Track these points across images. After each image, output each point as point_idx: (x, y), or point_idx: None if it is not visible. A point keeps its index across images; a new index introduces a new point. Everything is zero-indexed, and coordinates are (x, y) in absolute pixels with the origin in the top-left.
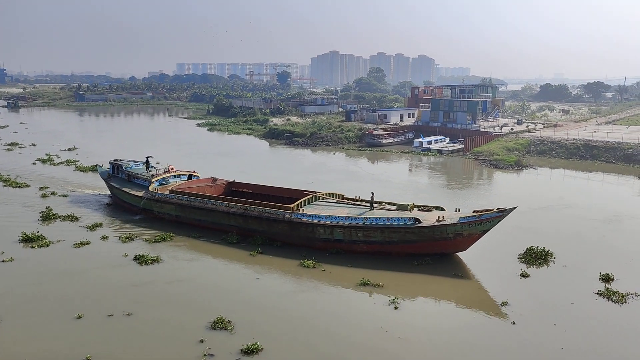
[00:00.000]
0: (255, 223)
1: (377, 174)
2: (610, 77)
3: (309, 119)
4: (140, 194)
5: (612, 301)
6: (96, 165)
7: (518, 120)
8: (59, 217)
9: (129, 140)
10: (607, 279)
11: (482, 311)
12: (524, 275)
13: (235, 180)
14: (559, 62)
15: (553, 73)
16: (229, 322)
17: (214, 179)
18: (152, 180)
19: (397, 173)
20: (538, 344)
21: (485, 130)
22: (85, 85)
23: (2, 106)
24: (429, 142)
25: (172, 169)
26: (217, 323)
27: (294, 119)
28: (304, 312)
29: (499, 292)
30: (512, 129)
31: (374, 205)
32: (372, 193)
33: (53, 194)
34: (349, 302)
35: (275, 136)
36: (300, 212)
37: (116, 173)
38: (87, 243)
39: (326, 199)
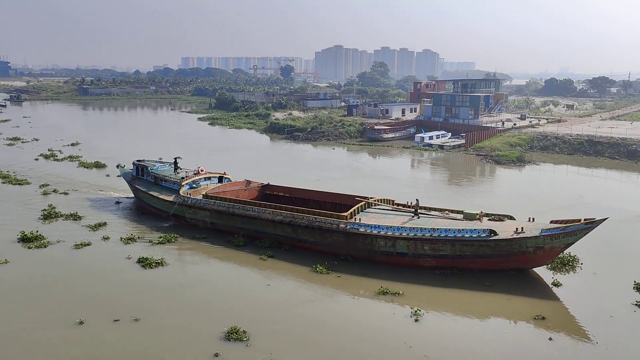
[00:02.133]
0: (306, 233)
1: (382, 171)
2: (615, 72)
3: (310, 114)
4: (170, 198)
5: None
6: (117, 166)
7: (521, 115)
8: (61, 215)
9: (131, 135)
10: None
11: (514, 326)
12: (556, 284)
13: (270, 183)
14: (564, 57)
15: (559, 68)
16: (244, 332)
17: (248, 182)
18: (183, 184)
19: (402, 169)
20: None
21: (488, 125)
22: (89, 79)
23: (5, 99)
24: (431, 138)
25: (202, 170)
26: (231, 333)
27: (295, 113)
28: (321, 323)
29: (532, 304)
30: (514, 124)
31: (419, 212)
32: (417, 199)
33: (55, 191)
34: (368, 314)
35: (277, 130)
36: (357, 221)
37: (141, 175)
38: (88, 244)
39: (379, 205)
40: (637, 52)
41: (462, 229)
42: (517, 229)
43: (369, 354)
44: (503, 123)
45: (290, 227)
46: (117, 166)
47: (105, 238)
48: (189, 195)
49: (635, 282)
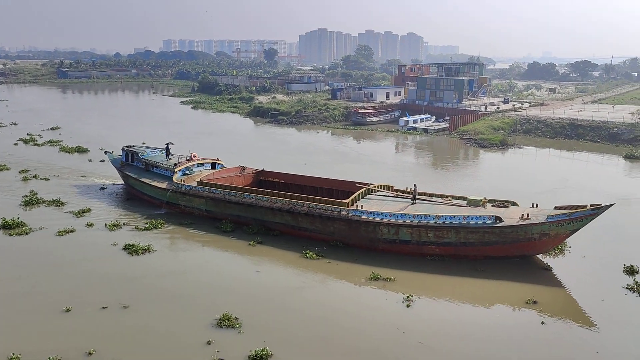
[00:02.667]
0: (306, 221)
1: (368, 155)
2: (598, 56)
3: (294, 97)
4: (163, 185)
5: None
6: (105, 152)
7: (505, 98)
8: (43, 202)
9: (113, 119)
10: (632, 271)
11: (507, 311)
12: (547, 268)
13: (264, 169)
14: (547, 41)
15: (542, 52)
16: (236, 319)
17: (242, 168)
18: (176, 170)
19: (388, 153)
20: (571, 348)
21: (472, 109)
22: (68, 62)
23: None
24: (415, 121)
25: (195, 156)
26: (223, 320)
27: (279, 97)
28: (312, 310)
29: (523, 289)
30: (498, 108)
31: (417, 198)
32: (415, 185)
33: (35, 177)
34: (360, 299)
35: (260, 114)
36: (358, 208)
37: (131, 161)
38: (72, 231)
39: (379, 191)
40: (619, 36)
41: (467, 216)
42: (522, 215)
43: (362, 340)
44: (486, 107)
45: (289, 214)
46: (105, 152)
47: (90, 224)
48: (182, 182)
49: (624, 265)
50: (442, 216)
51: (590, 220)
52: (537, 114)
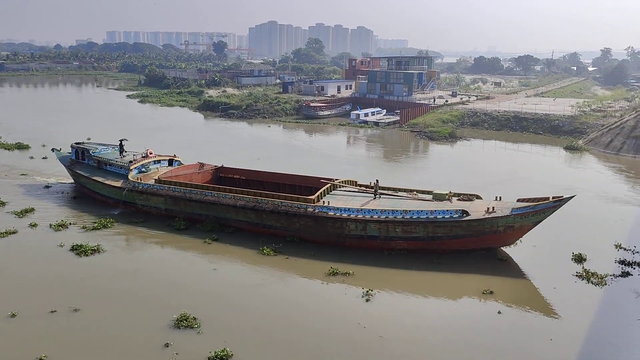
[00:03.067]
0: (271, 218)
1: (321, 148)
2: (539, 51)
3: (245, 91)
4: (117, 184)
5: (593, 283)
6: (53, 149)
7: (453, 92)
8: None
9: (55, 113)
10: (580, 259)
11: (465, 302)
12: (501, 259)
13: (224, 165)
14: (492, 36)
15: (487, 46)
16: (195, 319)
17: (201, 164)
18: (131, 168)
19: (340, 147)
20: (527, 336)
21: (421, 102)
22: (5, 53)
23: None
24: (366, 114)
25: (151, 153)
26: (181, 321)
27: (230, 90)
28: (272, 307)
29: (479, 280)
30: (446, 101)
31: (379, 192)
32: (377, 180)
33: None
34: (320, 295)
35: (210, 108)
36: (325, 204)
37: (81, 158)
38: (14, 232)
39: (344, 186)
40: (559, 32)
41: (435, 210)
42: (488, 208)
43: (324, 337)
44: (434, 100)
45: (254, 212)
46: (52, 149)
47: (33, 225)
48: (139, 181)
49: (573, 253)
50: (410, 211)
51: (553, 212)
52: (483, 107)
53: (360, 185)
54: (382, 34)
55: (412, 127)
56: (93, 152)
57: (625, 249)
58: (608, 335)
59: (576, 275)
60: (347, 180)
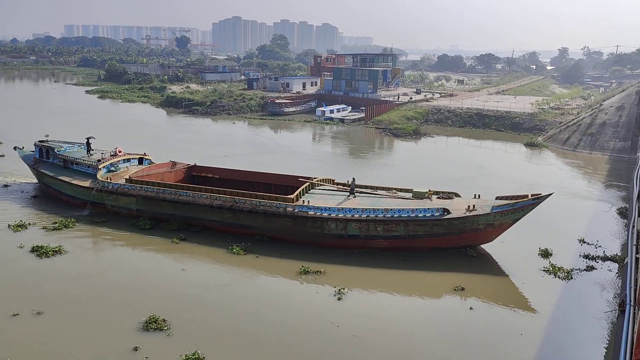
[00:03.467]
0: (248, 218)
1: (287, 145)
2: (500, 50)
3: (209, 87)
4: (85, 184)
5: (560, 278)
6: (15, 147)
7: (417, 89)
8: None
9: (9, 109)
10: (546, 254)
11: (437, 299)
12: (470, 255)
13: (197, 164)
14: (455, 34)
15: (449, 45)
16: (164, 321)
17: (174, 163)
18: (100, 167)
19: (307, 144)
20: (498, 331)
21: (386, 99)
22: None
23: None
24: (331, 111)
25: (120, 152)
26: (150, 323)
27: (193, 86)
28: (243, 307)
29: (450, 276)
30: (411, 98)
31: (355, 190)
32: (353, 178)
33: None
34: (291, 294)
35: (174, 104)
36: (304, 203)
37: (46, 157)
38: None
39: (322, 185)
40: (520, 31)
41: (416, 209)
42: (468, 206)
43: (297, 337)
44: (398, 97)
45: (230, 212)
46: (15, 148)
47: None
48: (109, 180)
49: (539, 248)
50: (391, 209)
51: (531, 210)
52: (447, 104)
53: (338, 184)
54: (347, 31)
55: (377, 124)
56: (58, 151)
57: (588, 244)
58: (575, 329)
59: (543, 270)
60: (325, 179)
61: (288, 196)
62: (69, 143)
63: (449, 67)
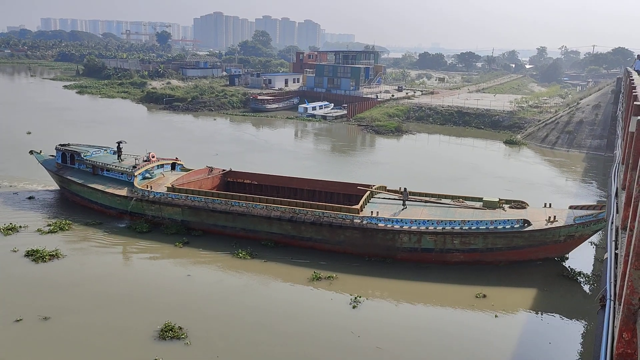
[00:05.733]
0: (312, 230)
1: (277, 143)
2: (480, 48)
3: (190, 83)
4: (122, 192)
5: (581, 283)
6: (31, 152)
7: (399, 87)
8: None
9: None
10: (561, 257)
11: (459, 307)
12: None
13: (232, 169)
14: (436, 32)
15: (431, 43)
16: (180, 328)
17: (210, 169)
18: (136, 174)
19: (296, 141)
20: (526, 340)
21: (368, 96)
22: None
23: None
24: (314, 108)
25: (153, 156)
26: (166, 331)
27: (174, 82)
28: (259, 314)
29: (470, 283)
30: (392, 96)
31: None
32: (405, 188)
33: None
34: (306, 303)
35: (154, 100)
36: (372, 214)
37: (70, 163)
38: None
39: (378, 193)
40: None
41: (495, 220)
42: (549, 217)
43: (319, 347)
44: (377, 96)
45: (291, 224)
46: (31, 152)
47: None
48: (149, 189)
49: None
50: (469, 221)
51: None
52: (428, 102)
53: (389, 191)
54: (329, 28)
55: (359, 121)
56: (85, 156)
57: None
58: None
59: (562, 275)
60: (380, 187)
61: (353, 206)
62: (95, 147)
63: (430, 65)
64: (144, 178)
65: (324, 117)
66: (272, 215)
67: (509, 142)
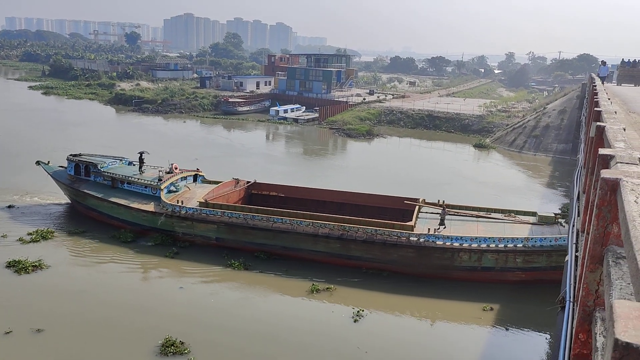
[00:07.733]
0: (362, 249)
1: (253, 147)
2: (451, 53)
3: (160, 85)
4: (149, 207)
5: None
6: (38, 162)
7: (370, 90)
8: None
9: None
10: None
11: (468, 322)
12: None
13: (257, 181)
14: (407, 37)
15: (402, 47)
16: (182, 343)
17: (237, 181)
18: (162, 187)
19: (274, 146)
20: (540, 353)
21: (340, 99)
22: None
23: None
24: (285, 111)
25: (176, 168)
26: (167, 346)
27: (144, 84)
28: (260, 327)
29: (476, 296)
30: (364, 99)
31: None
32: (443, 207)
33: None
34: (307, 316)
35: (123, 102)
36: (428, 231)
37: (85, 175)
38: None
39: (423, 206)
40: (469, 35)
41: (560, 237)
42: None
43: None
44: (350, 98)
45: (339, 242)
46: (38, 162)
47: None
48: (180, 204)
49: None
50: (532, 238)
51: None
52: (399, 106)
53: (427, 204)
54: (301, 30)
55: (330, 124)
56: (102, 167)
57: None
58: None
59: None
60: (423, 200)
61: (407, 223)
62: (109, 157)
63: (401, 69)
64: (169, 192)
65: (295, 120)
66: (320, 232)
67: (478, 146)
